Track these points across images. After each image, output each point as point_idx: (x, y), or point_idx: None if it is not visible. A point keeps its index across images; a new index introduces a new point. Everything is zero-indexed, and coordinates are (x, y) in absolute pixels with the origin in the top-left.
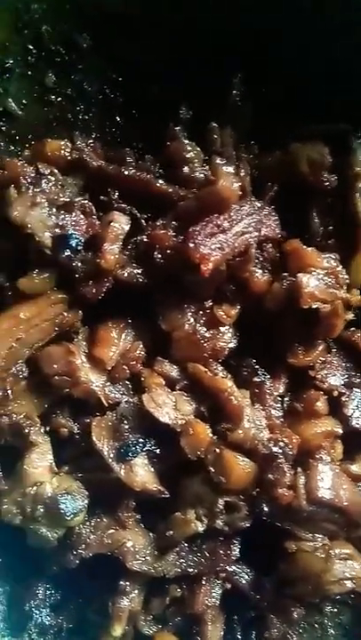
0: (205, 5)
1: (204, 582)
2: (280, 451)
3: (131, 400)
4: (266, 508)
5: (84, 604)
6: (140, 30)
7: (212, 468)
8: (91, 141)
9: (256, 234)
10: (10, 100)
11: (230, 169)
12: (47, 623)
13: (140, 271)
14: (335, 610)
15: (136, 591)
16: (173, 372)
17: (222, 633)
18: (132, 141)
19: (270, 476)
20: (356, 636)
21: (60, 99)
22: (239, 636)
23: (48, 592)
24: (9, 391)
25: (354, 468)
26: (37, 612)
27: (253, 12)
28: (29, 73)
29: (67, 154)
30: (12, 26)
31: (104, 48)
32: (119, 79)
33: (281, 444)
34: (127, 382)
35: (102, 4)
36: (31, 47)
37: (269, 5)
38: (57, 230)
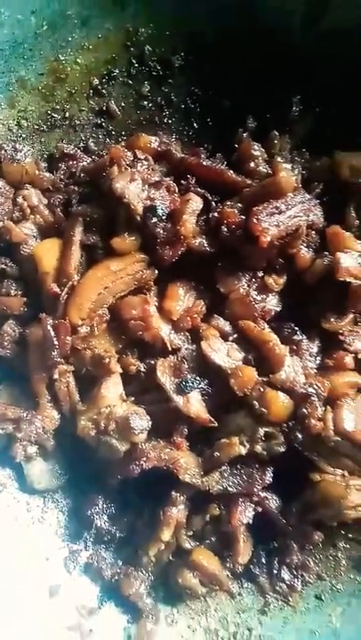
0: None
1: (240, 502)
2: (313, 391)
3: (190, 347)
4: (300, 436)
5: (136, 516)
6: (220, 56)
7: (256, 403)
8: (173, 140)
9: (306, 218)
10: (112, 101)
11: (289, 166)
12: (105, 529)
13: (207, 242)
14: (348, 545)
15: (182, 505)
16: (226, 326)
17: (250, 554)
18: (205, 143)
19: (304, 410)
20: None
21: (150, 105)
22: (263, 561)
23: (105, 505)
24: (95, 328)
25: None
26: (98, 517)
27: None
28: (130, 82)
29: (155, 146)
30: (122, 43)
31: (191, 68)
32: (199, 93)
33: (315, 386)
34: (187, 333)
35: (194, 34)
36: (134, 61)
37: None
38: (147, 202)
